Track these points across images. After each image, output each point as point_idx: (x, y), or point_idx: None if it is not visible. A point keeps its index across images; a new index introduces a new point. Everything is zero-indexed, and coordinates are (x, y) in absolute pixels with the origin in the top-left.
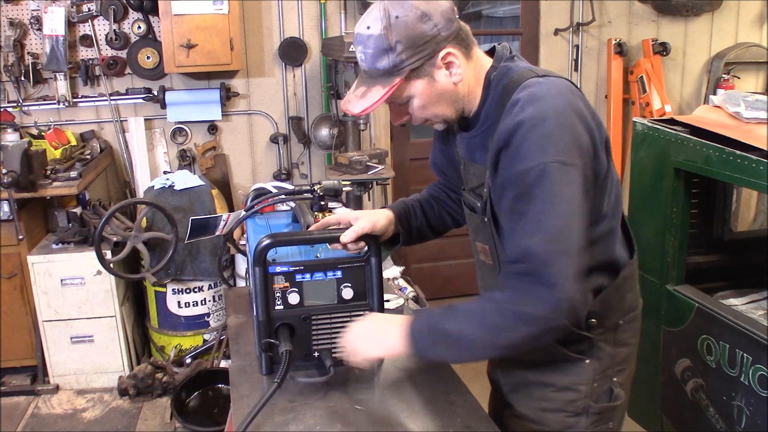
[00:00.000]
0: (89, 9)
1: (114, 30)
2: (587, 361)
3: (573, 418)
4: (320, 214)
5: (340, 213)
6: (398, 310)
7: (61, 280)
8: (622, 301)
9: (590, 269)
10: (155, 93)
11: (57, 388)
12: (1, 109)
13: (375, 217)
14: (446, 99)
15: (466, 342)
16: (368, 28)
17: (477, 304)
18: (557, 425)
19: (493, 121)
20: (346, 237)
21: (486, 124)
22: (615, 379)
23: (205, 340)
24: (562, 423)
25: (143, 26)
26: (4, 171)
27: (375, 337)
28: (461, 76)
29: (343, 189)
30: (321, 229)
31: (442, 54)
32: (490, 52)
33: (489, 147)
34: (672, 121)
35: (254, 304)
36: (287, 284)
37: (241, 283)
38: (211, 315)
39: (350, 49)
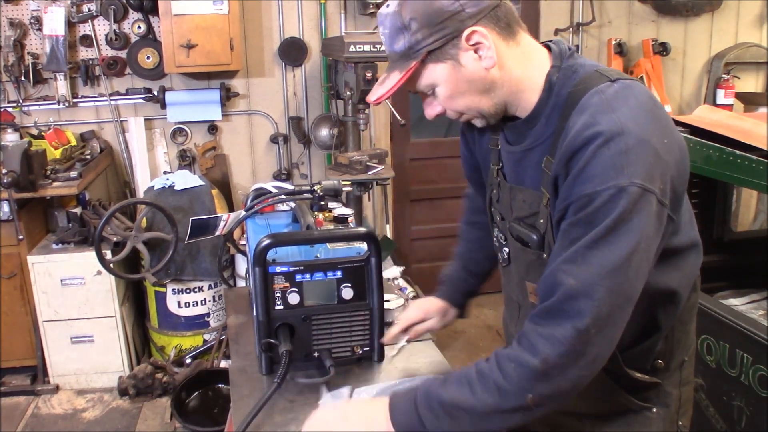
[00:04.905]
0: (89, 9)
1: (114, 30)
2: (654, 410)
3: None
4: (320, 214)
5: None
6: (398, 311)
7: (61, 280)
8: (687, 335)
9: (654, 301)
10: (155, 93)
11: (57, 388)
12: (1, 109)
13: (427, 307)
14: (477, 87)
15: (463, 412)
16: (387, 6)
17: (472, 367)
18: None
19: (553, 135)
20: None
21: (543, 138)
22: (680, 423)
23: (205, 340)
24: None
25: (143, 26)
26: (4, 171)
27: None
28: (493, 60)
29: (343, 189)
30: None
31: (466, 33)
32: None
33: (546, 167)
34: (672, 122)
35: (254, 304)
36: (287, 284)
37: (241, 283)
38: (211, 315)
39: (350, 49)
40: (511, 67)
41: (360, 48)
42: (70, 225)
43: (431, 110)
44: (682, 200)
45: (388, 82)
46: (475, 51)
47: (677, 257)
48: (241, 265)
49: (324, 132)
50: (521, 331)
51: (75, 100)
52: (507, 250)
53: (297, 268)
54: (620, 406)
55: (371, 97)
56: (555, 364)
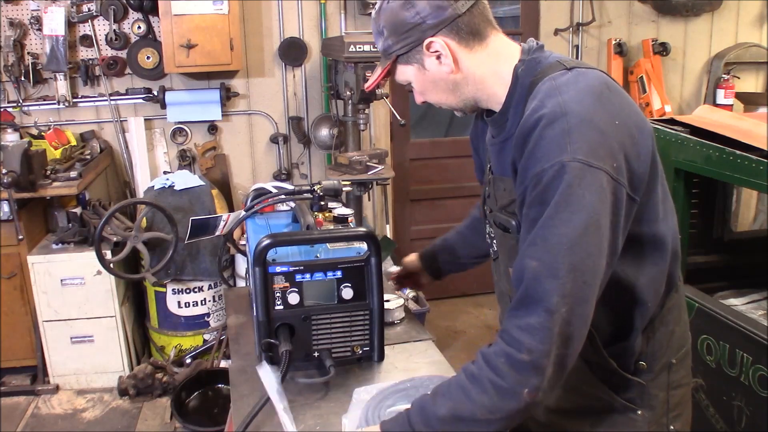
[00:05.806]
0: (89, 9)
1: (114, 30)
2: (639, 412)
3: None
4: (320, 214)
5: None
6: (398, 311)
7: (61, 280)
8: (671, 336)
9: (624, 295)
10: (155, 93)
11: (57, 388)
12: (1, 109)
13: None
14: (442, 87)
15: (462, 424)
16: (374, 8)
17: (461, 373)
18: None
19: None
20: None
21: (514, 127)
22: (672, 427)
23: (205, 340)
24: None
25: (143, 26)
26: (4, 171)
27: None
28: (451, 66)
29: (343, 189)
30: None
31: (425, 43)
32: None
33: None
34: (672, 121)
35: (254, 304)
36: (287, 284)
37: (241, 283)
38: (211, 315)
39: (350, 49)
40: (474, 70)
41: (360, 48)
42: (70, 225)
43: (417, 98)
44: (652, 187)
45: (373, 75)
46: (437, 57)
47: (647, 249)
48: (241, 265)
49: (324, 132)
50: (503, 328)
51: (75, 100)
52: (495, 242)
53: (297, 268)
54: (605, 404)
55: (365, 84)
56: (540, 352)
